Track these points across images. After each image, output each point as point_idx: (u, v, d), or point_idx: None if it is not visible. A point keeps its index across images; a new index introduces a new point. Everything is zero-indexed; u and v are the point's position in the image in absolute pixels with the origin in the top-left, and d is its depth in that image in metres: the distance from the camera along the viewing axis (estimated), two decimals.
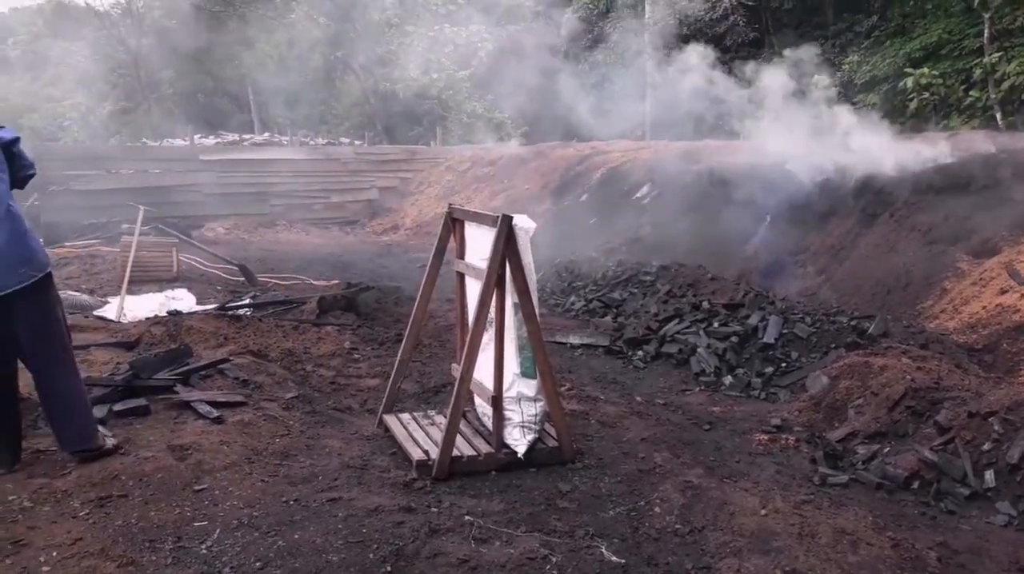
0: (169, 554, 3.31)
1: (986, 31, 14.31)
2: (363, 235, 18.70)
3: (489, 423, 4.52)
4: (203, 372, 5.41)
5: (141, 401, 4.85)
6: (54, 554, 3.23)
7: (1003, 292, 7.17)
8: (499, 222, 4.21)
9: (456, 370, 4.54)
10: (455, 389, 4.35)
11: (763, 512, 3.84)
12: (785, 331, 6.81)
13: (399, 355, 5.03)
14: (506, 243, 4.23)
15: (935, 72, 15.02)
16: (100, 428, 4.26)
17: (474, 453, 4.37)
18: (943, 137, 11.22)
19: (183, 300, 9.06)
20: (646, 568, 3.37)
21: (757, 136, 12.85)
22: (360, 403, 5.50)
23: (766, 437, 5.09)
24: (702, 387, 6.42)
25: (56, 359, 4.05)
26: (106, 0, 30.18)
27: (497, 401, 4.41)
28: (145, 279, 9.98)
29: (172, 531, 3.49)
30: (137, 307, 8.44)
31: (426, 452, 4.32)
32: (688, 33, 19.57)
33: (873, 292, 8.51)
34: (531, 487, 4.15)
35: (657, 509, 3.90)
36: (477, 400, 4.81)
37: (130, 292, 8.98)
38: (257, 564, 3.25)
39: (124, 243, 10.40)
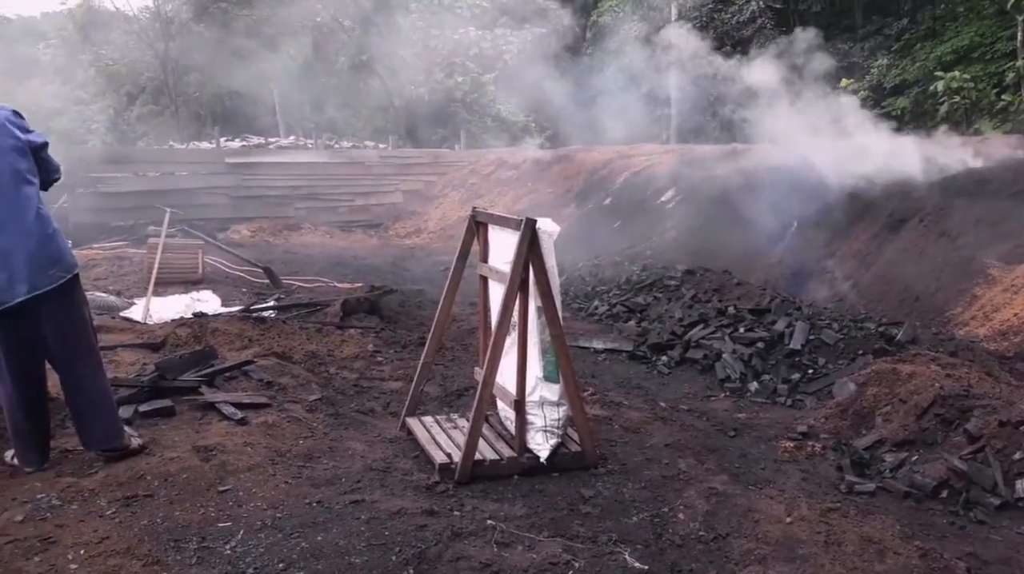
0: (193, 554, 3.33)
1: (1019, 34, 14.12)
2: (387, 238, 18.77)
3: (512, 427, 4.50)
4: (228, 374, 5.44)
5: (167, 402, 4.89)
6: (82, 552, 3.26)
7: None
8: (523, 226, 4.20)
9: (479, 374, 4.53)
10: (478, 393, 4.34)
11: (788, 520, 3.79)
12: (812, 337, 6.74)
13: (422, 358, 5.02)
14: (530, 247, 4.21)
15: (966, 76, 14.84)
16: (126, 428, 4.30)
17: (497, 457, 4.35)
18: (974, 141, 11.08)
19: (208, 302, 9.12)
20: None
21: (783, 140, 12.75)
22: (383, 406, 5.51)
23: (792, 444, 5.04)
24: (727, 393, 6.37)
25: (83, 359, 4.09)
26: (135, 4, 30.62)
27: (520, 405, 4.39)
28: (171, 281, 10.07)
29: (197, 531, 3.51)
30: (163, 309, 8.52)
31: (449, 455, 4.31)
32: (715, 36, 19.50)
33: (901, 298, 8.41)
34: (554, 492, 4.13)
35: (681, 515, 3.87)
36: (500, 404, 4.79)
37: (156, 294, 9.07)
38: (280, 565, 3.26)
39: (151, 245, 10.50)
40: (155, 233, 10.91)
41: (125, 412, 4.62)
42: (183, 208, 14.43)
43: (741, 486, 4.24)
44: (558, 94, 20.42)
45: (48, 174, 4.15)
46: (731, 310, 7.56)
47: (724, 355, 6.82)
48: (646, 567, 3.37)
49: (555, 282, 4.34)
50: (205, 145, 23.17)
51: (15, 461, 4.10)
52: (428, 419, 4.93)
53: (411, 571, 3.25)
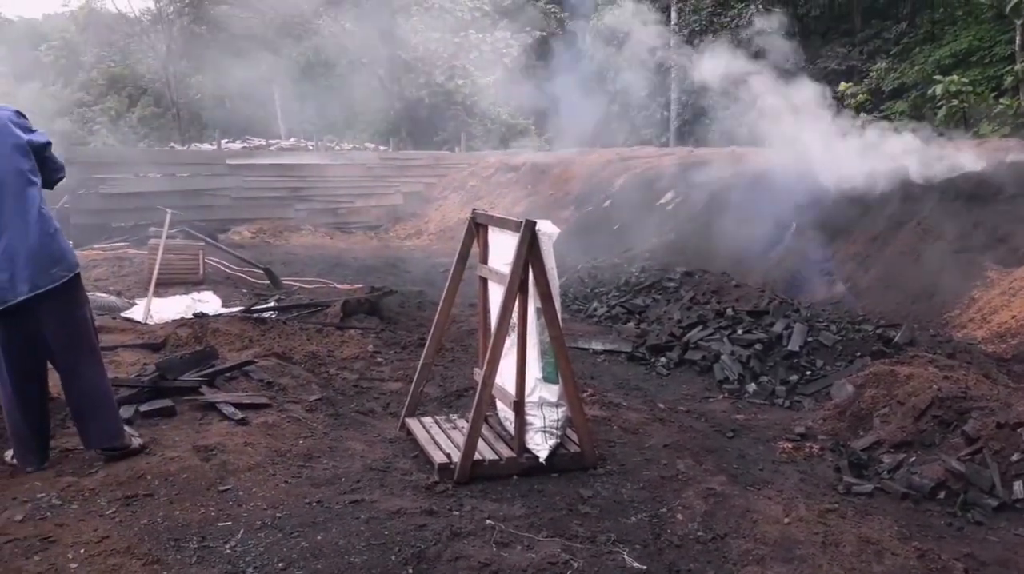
0: (194, 553, 3.34)
1: (1018, 38, 14.14)
2: (387, 240, 18.79)
3: (511, 428, 4.51)
4: (228, 374, 5.46)
5: (167, 402, 4.91)
6: (82, 551, 3.27)
7: None
8: (522, 227, 4.21)
9: (478, 374, 4.54)
10: (477, 393, 4.35)
11: (786, 520, 3.81)
12: (810, 339, 6.76)
13: (422, 359, 5.03)
14: (529, 248, 4.23)
15: (965, 79, 14.85)
16: (127, 428, 4.31)
17: (496, 457, 4.37)
18: (972, 145, 11.09)
19: (209, 303, 9.14)
20: None
21: (782, 143, 12.76)
22: (383, 406, 5.52)
23: (790, 445, 5.05)
24: (725, 394, 6.38)
25: (84, 359, 4.10)
26: (136, 6, 30.67)
27: (519, 406, 4.40)
28: (172, 282, 10.08)
29: (197, 531, 3.52)
30: (164, 309, 8.53)
31: (448, 456, 4.32)
32: (715, 40, 19.53)
33: (899, 301, 8.43)
34: (553, 492, 4.14)
35: (679, 516, 3.88)
36: (499, 405, 4.80)
37: (157, 294, 9.08)
38: (280, 565, 3.27)
39: (151, 246, 10.51)
40: (156, 234, 10.91)
41: (126, 412, 4.63)
42: (184, 209, 14.43)
43: (739, 487, 4.25)
44: (558, 97, 20.45)
45: (52, 173, 4.17)
46: (730, 312, 7.58)
47: (723, 356, 6.83)
48: (644, 567, 3.38)
49: (554, 283, 4.36)
50: (206, 146, 23.18)
51: (15, 461, 4.12)
52: (428, 419, 4.95)
53: (410, 571, 3.27)
